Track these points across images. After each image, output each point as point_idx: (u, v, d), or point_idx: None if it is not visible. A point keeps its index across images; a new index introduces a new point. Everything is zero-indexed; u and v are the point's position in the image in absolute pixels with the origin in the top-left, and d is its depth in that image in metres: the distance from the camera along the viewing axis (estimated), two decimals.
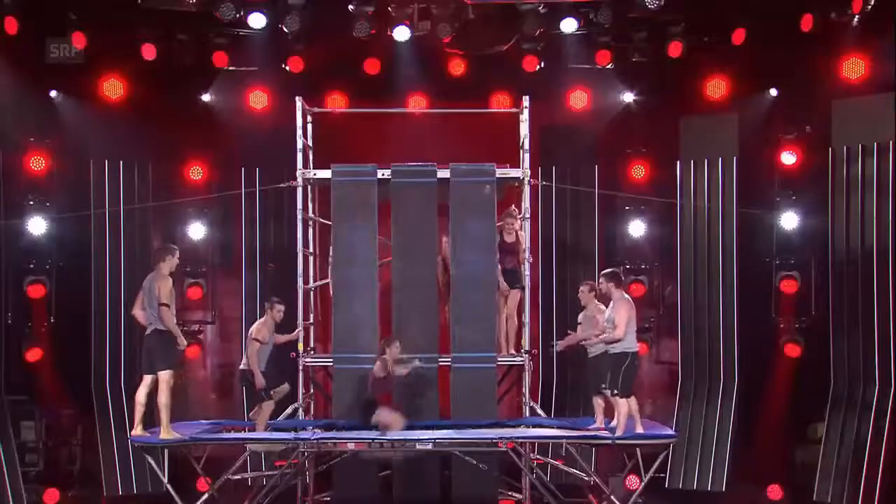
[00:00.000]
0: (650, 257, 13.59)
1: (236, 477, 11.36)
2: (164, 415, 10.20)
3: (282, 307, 10.98)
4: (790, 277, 12.75)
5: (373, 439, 10.25)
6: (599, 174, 13.45)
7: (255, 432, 10.95)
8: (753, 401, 12.92)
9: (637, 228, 13.57)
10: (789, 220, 12.78)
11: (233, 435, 10.71)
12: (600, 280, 10.47)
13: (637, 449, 10.60)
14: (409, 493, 11.23)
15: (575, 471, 11.54)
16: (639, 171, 13.45)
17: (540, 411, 11.61)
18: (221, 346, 13.51)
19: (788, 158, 12.73)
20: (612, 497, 10.81)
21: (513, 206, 11.58)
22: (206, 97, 13.33)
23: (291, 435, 10.48)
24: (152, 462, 10.60)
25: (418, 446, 10.21)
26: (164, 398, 10.12)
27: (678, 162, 13.34)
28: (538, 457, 11.82)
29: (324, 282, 12.17)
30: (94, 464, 12.85)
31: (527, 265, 11.64)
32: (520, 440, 10.49)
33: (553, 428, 11.18)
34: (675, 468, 13.00)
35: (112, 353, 13.07)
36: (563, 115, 13.36)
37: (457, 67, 13.29)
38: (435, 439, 10.24)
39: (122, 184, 13.22)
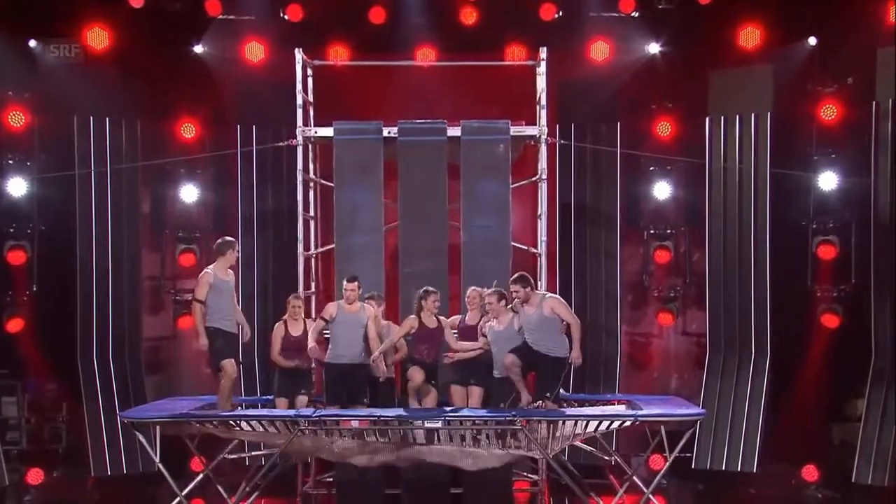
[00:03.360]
0: (676, 222, 13.56)
1: (233, 456, 11.28)
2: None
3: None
4: (828, 242, 12.75)
5: (378, 416, 10.15)
6: (622, 132, 13.36)
7: (249, 410, 10.97)
8: (787, 375, 12.93)
9: (662, 190, 13.52)
10: (828, 181, 12.76)
11: (230, 412, 10.49)
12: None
13: (661, 426, 10.45)
14: (417, 469, 11.01)
15: (594, 450, 11.52)
16: (664, 129, 13.36)
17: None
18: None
19: (828, 113, 12.69)
20: (634, 478, 10.81)
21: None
22: (198, 48, 13.22)
23: (292, 412, 10.42)
24: (143, 440, 10.54)
25: (427, 424, 10.10)
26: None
27: (707, 118, 13.23)
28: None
29: (326, 248, 12.19)
30: (81, 442, 12.87)
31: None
32: (536, 419, 10.16)
33: (572, 404, 11.24)
34: (702, 447, 12.95)
35: (100, 324, 13.04)
36: (583, 68, 13.28)
37: (468, 16, 13.22)
38: (446, 416, 10.13)
39: (108, 142, 13.12)
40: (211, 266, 10.44)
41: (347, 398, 10.52)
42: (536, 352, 10.19)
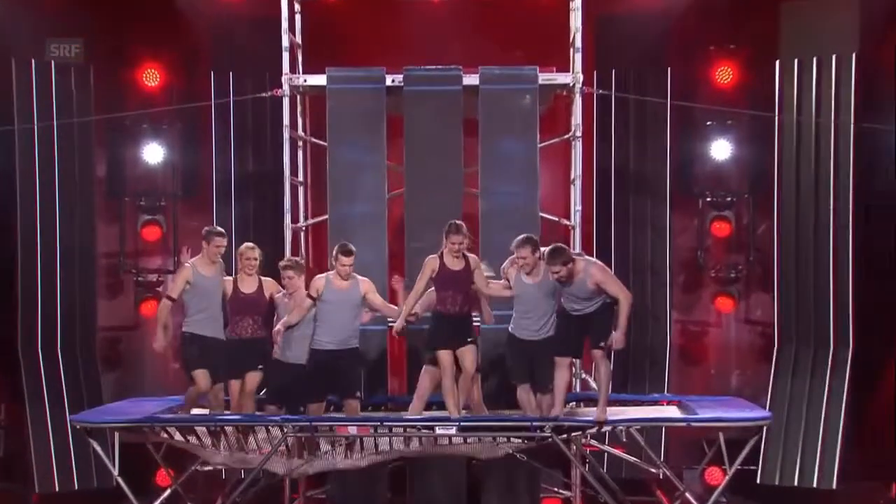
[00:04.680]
0: (738, 187, 13.51)
1: (207, 469, 11.05)
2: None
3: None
4: None
5: (380, 422, 10.11)
6: (673, 79, 13.15)
7: (224, 413, 10.65)
8: (873, 373, 12.79)
9: (722, 150, 13.46)
10: None
11: (204, 415, 10.48)
12: (522, 253, 9.97)
13: (720, 433, 10.26)
14: (428, 485, 11.14)
15: (639, 461, 11.39)
16: (725, 75, 13.28)
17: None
18: None
19: None
20: (687, 494, 10.76)
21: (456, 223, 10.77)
22: None
23: (279, 417, 10.30)
24: (98, 449, 10.41)
25: (439, 431, 10.03)
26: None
27: (777, 62, 12.95)
28: (592, 443, 11.47)
29: (318, 219, 12.21)
30: (22, 452, 12.80)
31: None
32: (568, 424, 10.09)
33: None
34: (769, 459, 12.77)
35: (45, 310, 12.89)
36: (625, 2, 13.26)
37: None
38: (461, 422, 10.03)
39: (54, 90, 12.84)
40: (195, 258, 10.53)
41: (338, 391, 10.47)
42: (580, 315, 10.02)
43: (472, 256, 10.33)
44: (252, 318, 10.52)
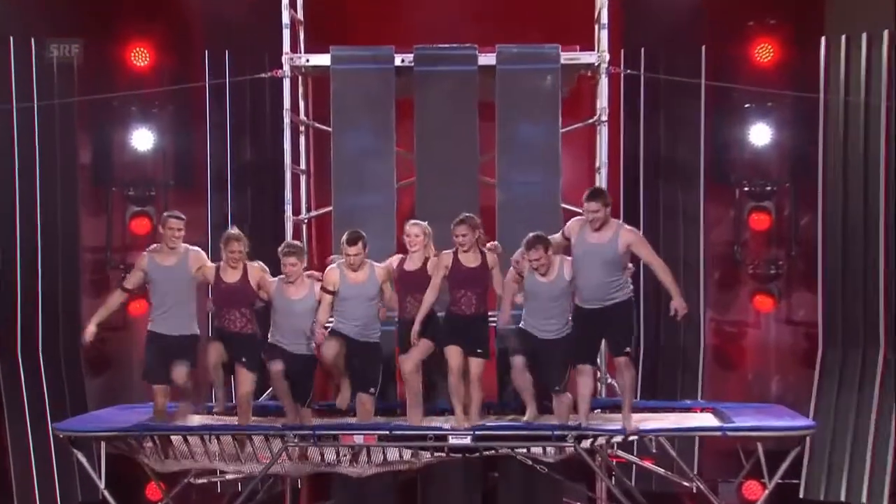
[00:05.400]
0: (779, 175, 13.41)
1: (201, 481, 11.17)
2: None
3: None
4: None
5: (389, 430, 10.12)
6: (707, 58, 13.08)
7: (219, 422, 10.68)
8: None
9: (761, 134, 13.36)
10: None
11: (199, 424, 10.46)
12: (535, 255, 9.90)
13: (758, 444, 10.23)
14: (441, 499, 11.23)
15: (670, 474, 11.28)
16: (765, 53, 13.15)
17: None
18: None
19: None
20: None
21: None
22: None
23: (279, 426, 10.34)
24: (83, 460, 10.41)
25: (452, 441, 9.98)
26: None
27: (823, 38, 12.89)
28: (619, 454, 11.35)
29: (322, 211, 12.21)
30: (0, 463, 12.78)
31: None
32: (592, 433, 10.02)
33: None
34: (813, 472, 12.74)
35: (26, 309, 12.89)
36: None
37: None
38: (476, 430, 10.03)
39: (34, 70, 12.81)
40: (154, 246, 10.53)
41: (353, 385, 10.40)
42: (605, 309, 9.95)
43: (490, 253, 10.26)
44: (239, 311, 10.38)
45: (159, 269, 10.20)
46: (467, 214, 10.22)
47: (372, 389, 10.28)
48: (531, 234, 10.00)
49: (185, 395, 10.37)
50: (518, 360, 9.98)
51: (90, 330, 10.27)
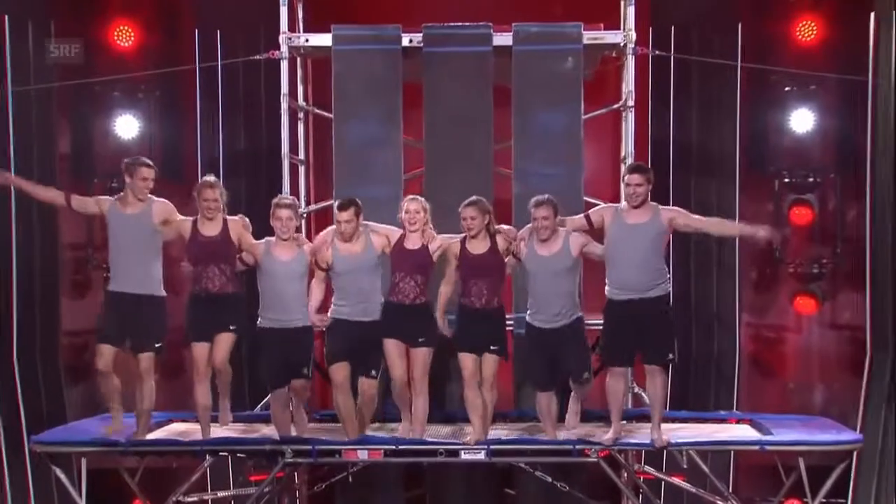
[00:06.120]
0: (823, 165, 13.35)
1: (191, 499, 11.19)
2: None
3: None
4: None
5: (395, 445, 10.13)
6: (744, 38, 13.06)
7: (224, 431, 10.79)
8: None
9: (803, 121, 13.27)
10: None
11: (190, 440, 10.45)
12: (543, 213, 10.05)
13: (800, 459, 10.23)
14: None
15: (702, 492, 11.22)
16: (808, 31, 13.08)
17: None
18: (168, 297, 12.99)
19: None
20: None
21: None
22: None
23: (277, 438, 10.39)
24: (62, 476, 10.45)
25: (465, 456, 10.04)
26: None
27: (872, 15, 12.78)
28: (646, 469, 11.48)
29: (322, 205, 12.31)
30: None
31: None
32: (618, 447, 10.13)
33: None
34: (861, 490, 12.67)
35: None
36: None
37: None
38: (491, 446, 10.06)
39: (6, 51, 12.70)
40: (118, 195, 10.42)
41: (354, 367, 10.34)
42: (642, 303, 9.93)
43: (501, 239, 10.25)
44: (218, 268, 10.27)
45: (119, 216, 10.05)
46: (478, 197, 10.20)
47: (374, 372, 10.25)
48: (542, 195, 10.07)
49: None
50: (542, 396, 10.11)
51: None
